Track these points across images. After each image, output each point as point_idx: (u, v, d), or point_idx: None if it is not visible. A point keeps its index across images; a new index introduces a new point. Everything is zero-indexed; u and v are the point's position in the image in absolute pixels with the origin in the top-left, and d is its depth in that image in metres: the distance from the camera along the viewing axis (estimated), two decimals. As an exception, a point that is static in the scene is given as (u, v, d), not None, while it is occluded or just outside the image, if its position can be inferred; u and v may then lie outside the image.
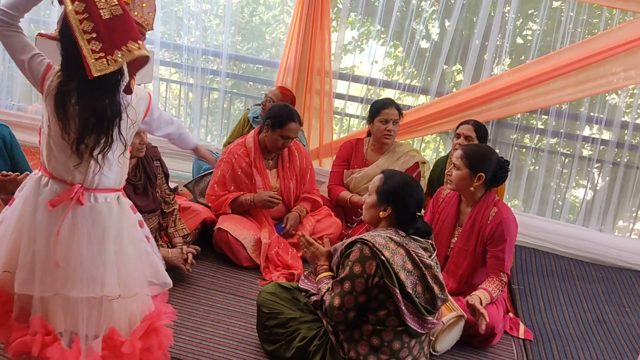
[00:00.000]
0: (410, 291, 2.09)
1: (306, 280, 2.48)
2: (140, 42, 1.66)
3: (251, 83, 4.94)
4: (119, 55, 1.62)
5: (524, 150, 4.66)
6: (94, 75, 1.59)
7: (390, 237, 2.13)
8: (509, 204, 4.44)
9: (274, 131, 3.32)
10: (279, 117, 3.31)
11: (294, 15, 4.43)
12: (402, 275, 2.07)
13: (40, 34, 3.65)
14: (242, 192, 3.39)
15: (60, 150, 1.72)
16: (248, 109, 4.30)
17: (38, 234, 1.74)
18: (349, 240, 2.19)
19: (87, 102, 1.66)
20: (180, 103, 5.23)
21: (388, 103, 3.63)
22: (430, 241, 2.24)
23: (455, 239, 2.88)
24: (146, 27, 3.92)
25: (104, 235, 1.78)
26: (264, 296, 2.43)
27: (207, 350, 2.41)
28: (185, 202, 3.40)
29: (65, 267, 1.74)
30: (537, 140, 4.60)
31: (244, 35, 5.34)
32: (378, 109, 3.61)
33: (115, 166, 1.81)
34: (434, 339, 2.50)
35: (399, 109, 3.64)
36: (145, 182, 2.87)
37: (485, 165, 2.76)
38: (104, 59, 1.60)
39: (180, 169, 4.52)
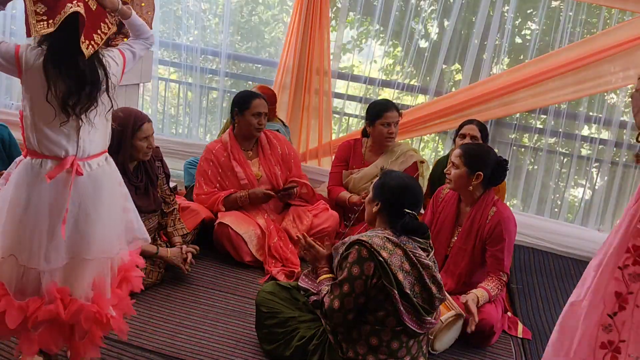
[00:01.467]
0: (409, 291, 2.09)
1: (306, 279, 2.48)
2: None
3: (250, 82, 4.94)
4: (57, 18, 1.69)
5: (522, 149, 4.66)
6: (32, 35, 1.72)
7: (387, 238, 2.13)
8: (507, 204, 4.45)
9: (243, 114, 3.40)
10: (242, 99, 3.43)
11: (293, 14, 4.43)
12: (400, 276, 2.08)
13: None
14: (233, 190, 3.40)
15: (48, 125, 1.79)
16: None
17: (41, 212, 1.80)
18: (349, 241, 2.20)
19: (68, 68, 1.76)
20: (179, 102, 5.23)
21: (389, 106, 3.61)
22: (428, 241, 2.23)
23: (455, 238, 2.88)
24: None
25: (102, 198, 1.88)
26: (262, 295, 2.43)
27: (206, 350, 2.41)
28: (185, 202, 3.39)
29: (76, 237, 1.83)
30: (535, 140, 4.60)
31: (243, 34, 5.34)
32: (379, 112, 3.58)
33: (100, 130, 1.89)
34: (432, 337, 2.50)
35: (398, 110, 3.64)
36: (146, 183, 2.86)
37: (483, 164, 2.76)
38: (45, 22, 1.70)
39: (180, 169, 4.52)
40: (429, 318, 2.16)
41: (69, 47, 1.75)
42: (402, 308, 2.08)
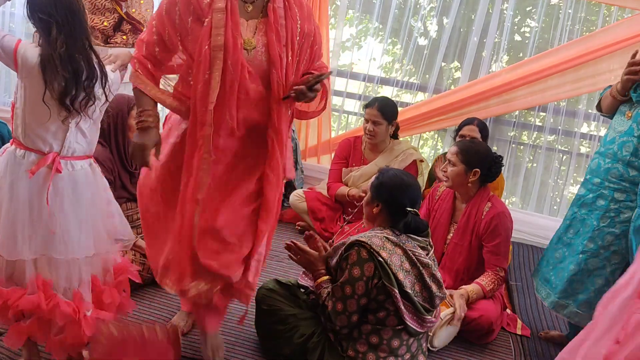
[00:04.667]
0: (409, 290, 2.09)
1: (306, 277, 2.48)
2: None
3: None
4: None
5: (521, 147, 4.67)
6: None
7: (387, 237, 2.13)
8: (506, 201, 4.46)
9: None
10: None
11: (292, 12, 4.42)
12: (401, 275, 2.08)
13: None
14: (153, 93, 1.99)
15: (37, 119, 1.81)
16: None
17: (21, 204, 1.83)
18: (348, 241, 2.19)
19: (68, 64, 1.79)
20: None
21: (371, 103, 3.60)
22: (427, 239, 2.24)
23: (451, 235, 2.89)
24: (144, 24, 3.92)
25: (81, 200, 1.91)
26: (262, 293, 2.44)
27: (205, 347, 2.41)
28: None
29: (49, 232, 1.85)
30: (534, 137, 4.61)
31: (242, 32, 5.34)
32: (364, 107, 3.64)
33: (87, 134, 1.92)
34: (431, 334, 2.51)
35: (382, 110, 3.54)
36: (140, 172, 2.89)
37: (480, 160, 2.77)
38: None
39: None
40: (430, 317, 2.16)
41: (68, 44, 1.78)
42: (403, 307, 2.08)
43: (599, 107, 2.64)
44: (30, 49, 1.79)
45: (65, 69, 1.78)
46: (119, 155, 2.73)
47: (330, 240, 2.55)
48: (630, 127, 2.35)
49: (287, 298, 2.42)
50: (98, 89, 1.88)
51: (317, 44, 2.06)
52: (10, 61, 1.81)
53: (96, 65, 1.86)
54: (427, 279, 2.13)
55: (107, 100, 1.93)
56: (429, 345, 2.50)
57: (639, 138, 2.32)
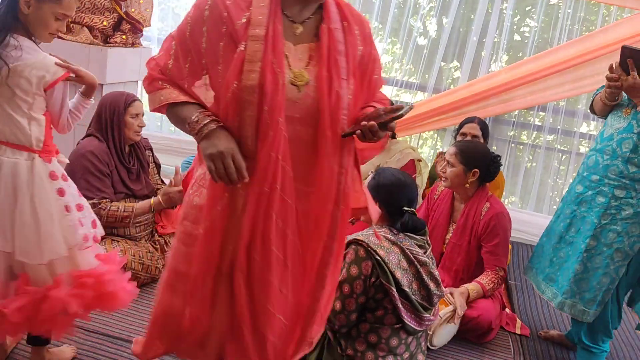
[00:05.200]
0: (407, 289, 2.09)
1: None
2: None
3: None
4: None
5: (521, 147, 4.67)
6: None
7: (384, 236, 2.13)
8: (505, 201, 4.46)
9: None
10: None
11: (291, 11, 4.42)
12: (398, 274, 2.08)
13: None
14: (191, 100, 1.52)
15: None
16: None
17: None
18: (346, 240, 2.18)
19: None
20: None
21: None
22: (425, 238, 2.24)
23: (450, 235, 2.89)
24: (143, 23, 3.93)
25: (12, 193, 1.81)
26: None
27: (204, 346, 2.41)
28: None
29: None
30: (534, 137, 4.61)
31: (241, 31, 5.34)
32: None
33: (10, 120, 1.82)
34: (431, 333, 2.51)
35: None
36: (138, 168, 2.92)
37: (479, 161, 2.78)
38: None
39: (168, 163, 4.51)
40: (428, 315, 2.17)
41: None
42: (400, 306, 2.08)
43: (592, 110, 2.65)
44: None
45: None
46: (116, 151, 2.75)
47: None
48: (630, 124, 2.35)
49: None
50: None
51: (378, 71, 1.62)
52: None
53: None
54: (425, 277, 2.13)
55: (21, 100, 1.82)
56: (428, 344, 2.50)
57: (639, 135, 2.32)
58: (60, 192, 1.90)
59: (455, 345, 2.67)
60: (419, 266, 2.12)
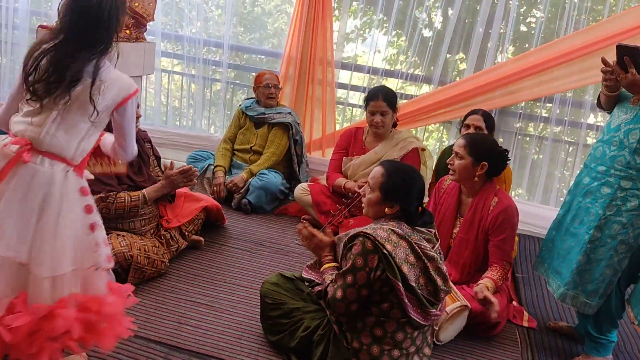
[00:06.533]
0: (414, 284, 2.08)
1: (310, 270, 2.48)
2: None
3: (253, 74, 4.92)
4: None
5: (527, 138, 4.64)
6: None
7: (392, 230, 2.11)
8: (512, 193, 4.43)
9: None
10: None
11: (295, 5, 4.41)
12: (405, 269, 2.07)
13: (41, 26, 3.65)
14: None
15: (17, 102, 1.83)
16: (240, 104, 4.33)
17: None
18: (352, 232, 2.18)
19: (55, 57, 1.76)
20: (183, 94, 5.23)
21: (375, 95, 3.58)
22: (433, 230, 2.23)
23: (457, 229, 2.88)
24: (147, 18, 3.92)
25: (41, 203, 1.76)
26: (267, 287, 2.44)
27: (210, 341, 2.42)
28: (187, 191, 3.38)
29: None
30: (541, 129, 4.58)
31: (245, 25, 5.32)
32: (367, 100, 3.62)
33: (68, 131, 1.80)
34: (437, 328, 2.50)
35: (388, 99, 3.56)
36: (139, 161, 2.93)
37: (488, 153, 2.76)
38: None
39: (183, 161, 4.53)
40: (434, 310, 2.15)
41: (58, 48, 1.78)
42: (406, 300, 2.08)
43: (599, 104, 2.64)
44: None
45: (40, 62, 1.77)
46: None
47: (328, 230, 2.52)
48: (637, 114, 2.34)
49: (291, 292, 2.43)
50: (80, 92, 1.78)
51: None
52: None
53: (85, 74, 1.77)
54: (432, 273, 2.12)
55: (95, 110, 1.79)
56: (434, 339, 2.49)
57: None
58: (89, 209, 1.87)
59: (462, 339, 2.66)
60: (426, 261, 2.11)
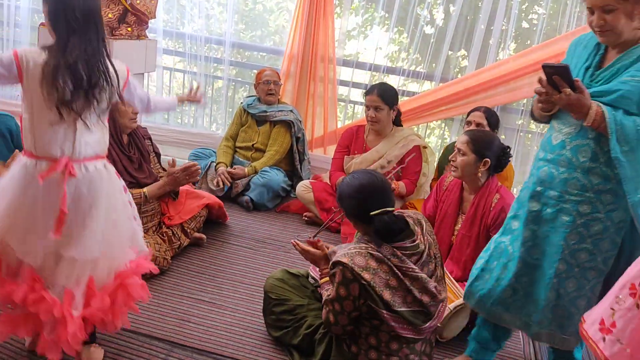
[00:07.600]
0: (399, 308, 1.98)
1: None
2: None
3: (255, 71, 4.92)
4: None
5: (529, 135, 4.64)
6: None
7: (370, 254, 2.00)
8: (514, 190, 4.43)
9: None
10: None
11: (297, 2, 4.40)
12: (387, 295, 1.96)
13: (42, 24, 3.65)
14: None
15: (45, 126, 1.81)
16: (241, 102, 4.33)
17: (35, 211, 1.84)
18: (334, 259, 2.06)
19: (73, 73, 1.78)
20: (185, 92, 5.22)
21: (371, 90, 3.68)
22: (413, 239, 2.06)
23: (459, 226, 2.88)
24: (148, 16, 3.92)
25: (95, 201, 1.89)
26: (272, 282, 2.44)
27: (213, 337, 2.42)
28: (189, 188, 3.39)
29: (67, 235, 1.86)
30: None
31: (247, 23, 5.32)
32: (364, 95, 3.69)
33: (96, 133, 1.90)
34: (441, 326, 2.49)
35: (382, 95, 3.61)
36: (139, 157, 2.94)
37: (490, 150, 2.76)
38: None
39: (185, 158, 4.53)
40: (426, 325, 2.06)
41: (79, 54, 1.79)
42: (393, 323, 2.00)
43: (533, 117, 2.27)
44: (32, 52, 1.79)
45: (70, 78, 1.77)
46: (114, 140, 2.78)
47: (321, 244, 2.44)
48: (582, 127, 1.97)
49: (296, 288, 2.43)
50: (101, 95, 1.87)
51: None
52: (12, 73, 1.79)
53: (103, 73, 1.85)
54: (417, 294, 2.01)
55: (108, 107, 1.93)
56: (438, 336, 2.49)
57: (596, 140, 1.96)
58: (125, 189, 2.06)
59: (465, 334, 2.66)
60: (409, 284, 2.00)
